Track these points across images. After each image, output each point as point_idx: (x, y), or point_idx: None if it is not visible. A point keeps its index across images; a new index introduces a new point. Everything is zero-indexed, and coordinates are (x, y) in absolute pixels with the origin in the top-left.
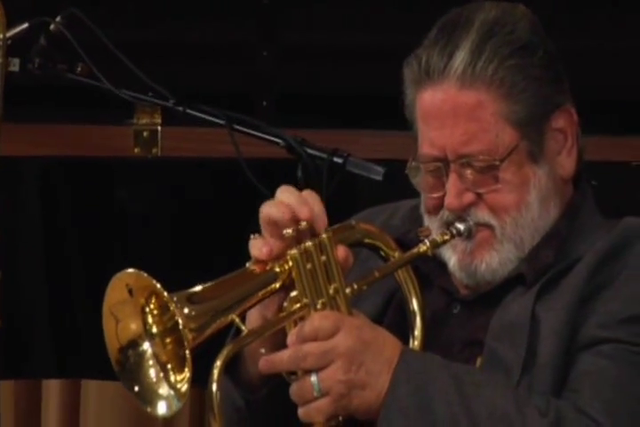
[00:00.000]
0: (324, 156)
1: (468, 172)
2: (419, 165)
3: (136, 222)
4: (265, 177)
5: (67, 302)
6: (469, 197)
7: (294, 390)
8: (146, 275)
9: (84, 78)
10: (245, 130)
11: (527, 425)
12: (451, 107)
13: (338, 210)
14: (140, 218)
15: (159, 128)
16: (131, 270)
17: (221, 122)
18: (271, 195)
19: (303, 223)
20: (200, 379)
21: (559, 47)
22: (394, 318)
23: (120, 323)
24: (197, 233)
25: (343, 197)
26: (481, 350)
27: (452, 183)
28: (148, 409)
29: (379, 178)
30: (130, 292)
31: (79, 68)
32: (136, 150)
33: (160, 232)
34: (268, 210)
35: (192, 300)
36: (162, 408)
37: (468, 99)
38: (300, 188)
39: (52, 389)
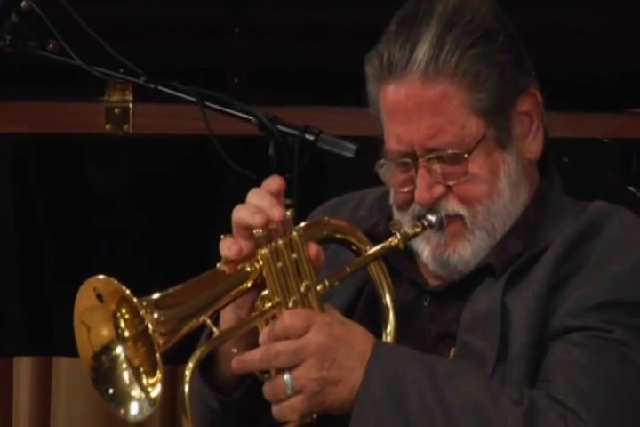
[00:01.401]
0: (296, 133)
1: (437, 165)
2: (387, 161)
3: (107, 199)
4: (237, 154)
5: (38, 279)
6: (439, 189)
7: (267, 389)
8: (115, 281)
9: (56, 55)
10: (217, 107)
11: (501, 414)
12: (415, 102)
13: (310, 187)
14: (111, 195)
15: (130, 105)
16: (100, 276)
17: (193, 99)
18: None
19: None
20: (176, 356)
21: (526, 25)
22: (365, 310)
23: (91, 331)
24: (168, 210)
25: (315, 173)
26: (454, 342)
27: (421, 177)
28: (121, 411)
29: (351, 155)
30: (99, 297)
31: (51, 45)
32: (107, 127)
33: (131, 209)
34: (241, 215)
35: (162, 304)
36: (134, 409)
37: (433, 92)
38: (271, 165)
39: (24, 366)
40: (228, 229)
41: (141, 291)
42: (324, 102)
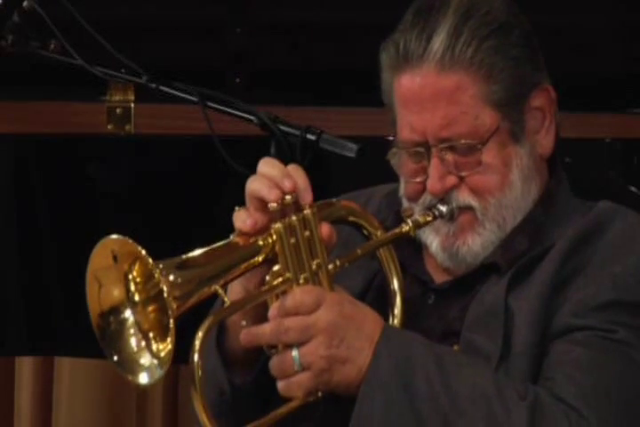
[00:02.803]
0: (298, 133)
1: (450, 155)
2: (399, 150)
3: (108, 200)
4: (238, 154)
5: (40, 279)
6: (452, 180)
7: (274, 364)
8: (131, 241)
9: (57, 55)
10: (219, 107)
11: (506, 406)
12: (430, 91)
13: (311, 187)
14: (112, 195)
15: (132, 105)
16: (116, 236)
17: (194, 99)
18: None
19: (288, 197)
20: (176, 356)
21: (537, 24)
22: (373, 304)
23: (103, 288)
24: (170, 210)
25: (316, 173)
26: (457, 340)
27: (434, 167)
28: (130, 377)
29: (352, 155)
30: (115, 258)
31: (52, 46)
32: (109, 127)
33: (132, 209)
34: (255, 186)
35: (177, 267)
36: (143, 378)
37: (448, 82)
38: None
39: (26, 366)
40: (229, 229)
41: None
42: (326, 102)
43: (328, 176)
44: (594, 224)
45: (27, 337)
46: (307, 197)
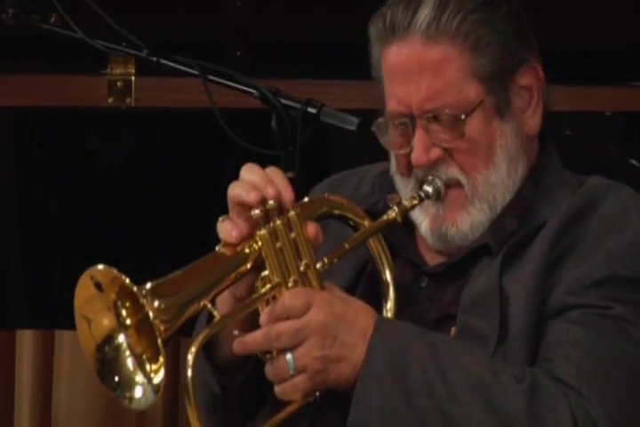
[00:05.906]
0: (298, 106)
1: (435, 126)
2: (386, 121)
3: (108, 172)
4: (239, 127)
5: (40, 252)
6: (437, 152)
7: (270, 369)
8: (114, 270)
9: (58, 28)
10: (219, 80)
11: (503, 391)
12: (416, 62)
13: (312, 160)
14: (112, 168)
15: (133, 78)
16: (98, 266)
17: (195, 72)
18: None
19: (271, 202)
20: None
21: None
22: (366, 291)
23: (92, 322)
24: (170, 183)
25: (317, 146)
26: (454, 322)
27: (418, 138)
28: (127, 396)
29: (353, 128)
30: (98, 286)
31: (53, 19)
32: (110, 100)
33: (132, 182)
34: (235, 191)
35: (162, 291)
36: (139, 394)
37: (434, 53)
38: (274, 138)
39: (26, 339)
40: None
41: (143, 265)
42: (327, 75)
43: (329, 149)
44: (586, 201)
45: (27, 310)
46: (288, 196)
